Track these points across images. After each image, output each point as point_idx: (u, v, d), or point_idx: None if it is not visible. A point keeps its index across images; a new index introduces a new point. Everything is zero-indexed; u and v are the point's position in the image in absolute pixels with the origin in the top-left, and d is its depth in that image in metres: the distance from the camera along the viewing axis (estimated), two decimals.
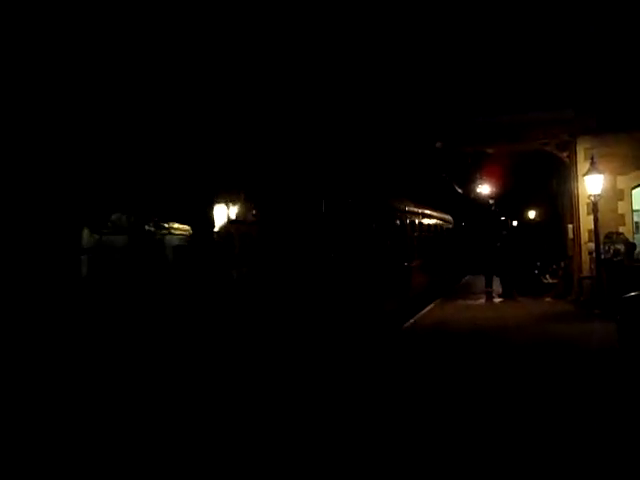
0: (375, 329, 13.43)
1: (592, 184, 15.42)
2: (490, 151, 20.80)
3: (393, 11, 16.01)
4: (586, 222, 16.66)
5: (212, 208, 7.15)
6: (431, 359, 10.86)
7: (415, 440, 6.53)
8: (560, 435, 6.48)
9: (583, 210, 16.88)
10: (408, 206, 19.43)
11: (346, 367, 10.04)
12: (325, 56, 14.98)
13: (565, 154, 17.87)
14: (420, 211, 21.49)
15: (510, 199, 33.61)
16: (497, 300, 20.62)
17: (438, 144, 19.11)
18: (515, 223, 40.68)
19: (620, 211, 16.46)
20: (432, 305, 19.95)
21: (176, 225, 6.55)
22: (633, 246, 16.01)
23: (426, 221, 22.56)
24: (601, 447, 6.10)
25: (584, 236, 16.90)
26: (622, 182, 16.47)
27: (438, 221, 25.61)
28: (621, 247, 15.97)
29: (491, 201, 29.42)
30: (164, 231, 6.34)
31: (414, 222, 20.20)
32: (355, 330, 12.03)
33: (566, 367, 9.62)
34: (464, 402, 7.89)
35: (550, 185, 24.26)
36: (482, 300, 20.95)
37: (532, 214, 33.80)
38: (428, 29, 16.93)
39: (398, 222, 17.76)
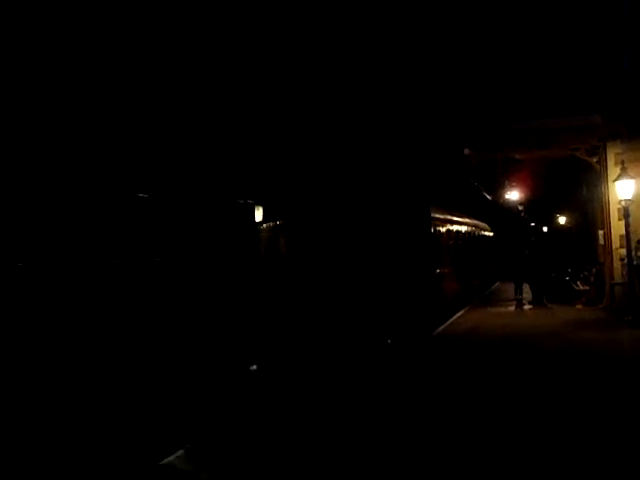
0: (407, 335, 13.57)
1: (623, 189, 15.26)
2: (519, 157, 20.69)
3: (420, 20, 16.08)
4: (617, 228, 16.47)
5: None
6: (461, 365, 10.86)
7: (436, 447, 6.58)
8: (589, 446, 6.47)
9: (614, 216, 16.70)
10: (438, 213, 19.64)
11: (380, 371, 10.12)
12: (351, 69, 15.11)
13: (595, 159, 17.71)
14: (451, 218, 21.81)
15: (540, 205, 33.33)
16: (527, 307, 20.46)
17: (466, 151, 19.08)
18: (545, 229, 40.31)
19: None
20: (462, 312, 19.90)
21: None
22: None
23: (458, 228, 22.78)
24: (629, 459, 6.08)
25: (615, 242, 16.71)
26: None
27: (470, 228, 25.84)
28: None
29: (520, 207, 29.16)
30: None
31: (445, 229, 20.40)
32: (389, 336, 12.36)
33: (597, 376, 9.55)
34: (494, 411, 7.89)
35: (580, 191, 24.04)
36: (512, 307, 20.81)
37: (562, 220, 33.50)
38: (458, 39, 16.96)
39: (430, 229, 18.04)
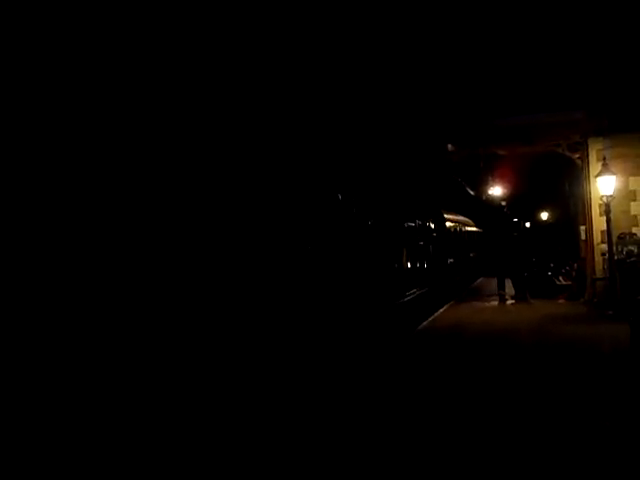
0: (391, 330, 13.66)
1: (604, 185, 15.39)
2: (502, 153, 20.78)
3: (403, 16, 16.06)
4: (598, 223, 16.62)
5: None
6: (444, 360, 10.91)
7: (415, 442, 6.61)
8: (566, 438, 6.52)
9: (595, 211, 16.83)
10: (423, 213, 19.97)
11: (365, 365, 10.17)
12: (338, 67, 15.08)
13: (577, 155, 17.85)
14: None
15: (522, 201, 33.50)
16: (510, 302, 20.58)
17: (449, 147, 19.14)
18: (528, 224, 40.57)
19: (633, 212, 16.37)
20: (445, 308, 19.97)
21: None
22: None
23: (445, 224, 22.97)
24: (607, 452, 6.13)
25: (597, 237, 16.86)
26: (635, 183, 16.39)
27: (454, 223, 26.02)
28: (634, 248, 15.89)
29: (503, 203, 29.32)
30: None
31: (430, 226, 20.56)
32: (373, 331, 12.52)
33: (577, 369, 9.63)
34: (477, 406, 7.94)
35: (562, 186, 24.22)
36: (495, 302, 20.91)
37: (545, 215, 33.74)
38: (439, 36, 16.97)
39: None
